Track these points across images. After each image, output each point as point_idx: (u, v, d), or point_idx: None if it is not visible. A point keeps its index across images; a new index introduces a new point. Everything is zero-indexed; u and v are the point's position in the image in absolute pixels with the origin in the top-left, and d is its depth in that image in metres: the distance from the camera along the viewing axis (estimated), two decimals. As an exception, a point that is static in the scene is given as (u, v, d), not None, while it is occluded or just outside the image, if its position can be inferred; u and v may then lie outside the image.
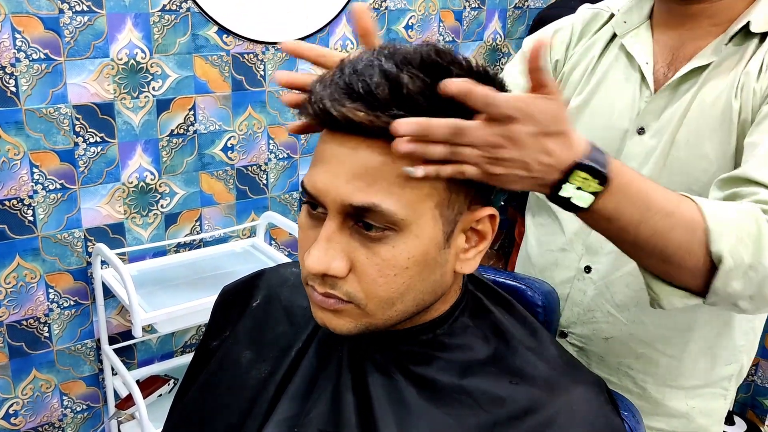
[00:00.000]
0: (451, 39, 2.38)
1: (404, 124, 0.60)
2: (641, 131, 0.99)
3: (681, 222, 0.72)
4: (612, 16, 1.08)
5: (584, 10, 1.13)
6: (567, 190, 0.67)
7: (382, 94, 0.62)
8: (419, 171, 0.63)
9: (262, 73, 2.01)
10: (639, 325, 1.02)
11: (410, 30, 2.27)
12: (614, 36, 1.06)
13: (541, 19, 2.37)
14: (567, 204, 0.68)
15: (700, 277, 0.75)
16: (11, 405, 1.84)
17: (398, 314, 0.70)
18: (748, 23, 0.91)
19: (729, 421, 2.45)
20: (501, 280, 0.91)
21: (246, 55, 1.97)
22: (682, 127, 0.95)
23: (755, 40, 0.92)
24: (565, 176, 0.66)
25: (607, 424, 0.70)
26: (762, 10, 0.92)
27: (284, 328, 0.86)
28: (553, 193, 0.68)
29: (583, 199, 0.67)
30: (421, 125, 0.61)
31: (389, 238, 0.65)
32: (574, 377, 0.73)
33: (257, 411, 0.81)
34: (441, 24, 2.34)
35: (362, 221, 0.65)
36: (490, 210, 0.70)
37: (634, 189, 0.70)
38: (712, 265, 0.73)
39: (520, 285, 0.90)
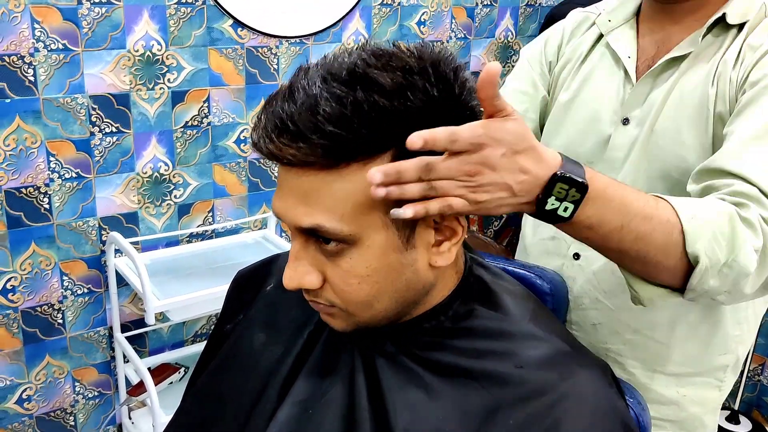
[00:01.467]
0: (463, 36, 2.40)
1: (375, 174, 0.61)
2: (626, 122, 1.03)
3: (659, 225, 0.75)
4: (599, 14, 1.12)
5: (575, 13, 1.18)
6: (551, 204, 0.68)
7: (302, 124, 0.63)
8: (408, 212, 0.63)
9: (276, 66, 2.03)
10: (626, 311, 1.04)
11: (422, 26, 2.29)
12: (601, 36, 1.10)
13: (552, 17, 2.39)
14: (553, 217, 0.70)
15: (678, 276, 0.79)
16: (25, 390, 1.87)
17: (382, 313, 0.73)
18: (724, 15, 0.95)
19: (734, 420, 2.45)
20: (510, 268, 0.93)
21: (260, 49, 1.99)
22: (661, 116, 0.98)
23: (733, 31, 0.95)
24: (546, 190, 0.68)
25: (612, 406, 0.72)
26: (738, 3, 0.95)
27: (296, 311, 0.88)
28: (538, 209, 0.69)
29: (566, 210, 0.69)
30: (389, 172, 0.62)
31: (345, 251, 0.69)
32: (579, 361, 0.75)
33: (271, 392, 0.83)
34: (453, 20, 2.35)
35: (319, 237, 0.69)
36: None
37: (610, 194, 0.72)
38: (689, 265, 0.77)
39: (528, 273, 0.92)
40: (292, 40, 2.04)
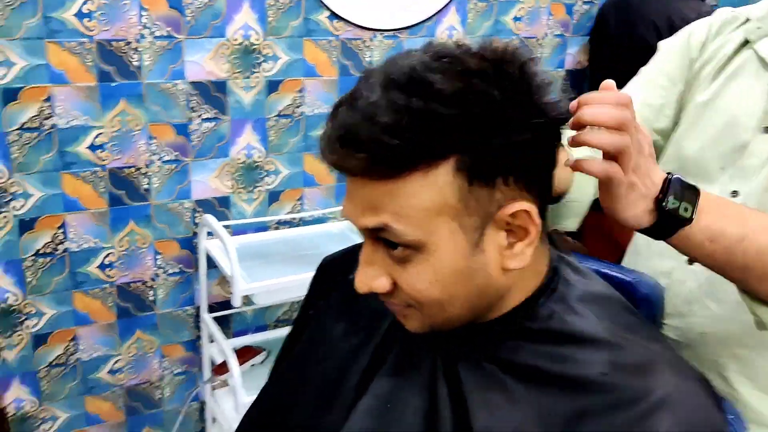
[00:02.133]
0: (559, 33, 2.34)
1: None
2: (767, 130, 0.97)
3: None
4: (747, 20, 1.06)
5: (723, 11, 1.13)
6: (671, 202, 0.70)
7: (362, 134, 0.63)
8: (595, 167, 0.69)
9: (369, 59, 2.04)
10: (739, 324, 0.98)
11: (518, 22, 2.24)
12: (747, 41, 1.05)
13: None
14: (675, 220, 0.71)
15: None
16: (116, 361, 1.96)
17: (455, 316, 0.72)
18: None
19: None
20: (604, 271, 0.90)
21: (354, 41, 2.01)
22: None
23: None
24: (665, 191, 0.71)
25: (709, 419, 0.68)
26: None
27: (377, 302, 0.88)
28: (660, 211, 0.71)
29: (687, 210, 0.71)
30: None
31: (412, 257, 0.68)
32: (673, 370, 0.71)
33: (350, 381, 0.83)
34: (550, 17, 2.30)
35: (388, 241, 0.68)
36: (519, 205, 0.68)
37: (724, 203, 0.73)
38: None
39: (625, 277, 0.88)
40: (386, 34, 2.04)
